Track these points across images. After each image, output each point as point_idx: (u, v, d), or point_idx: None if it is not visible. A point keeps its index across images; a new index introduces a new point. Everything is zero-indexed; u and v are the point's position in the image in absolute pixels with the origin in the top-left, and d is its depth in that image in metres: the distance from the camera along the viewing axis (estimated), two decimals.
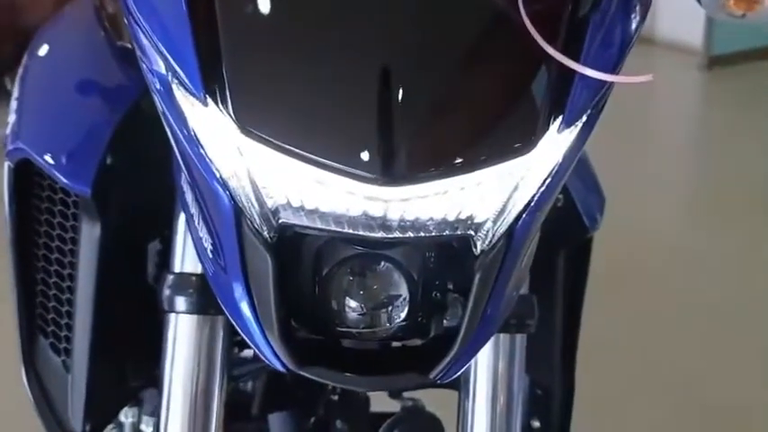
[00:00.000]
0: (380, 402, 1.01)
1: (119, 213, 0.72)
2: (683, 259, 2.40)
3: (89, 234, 0.71)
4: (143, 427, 1.03)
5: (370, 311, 0.54)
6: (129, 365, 0.77)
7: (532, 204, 0.54)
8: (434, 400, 0.95)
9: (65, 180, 0.71)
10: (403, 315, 0.55)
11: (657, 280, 2.30)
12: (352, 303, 0.54)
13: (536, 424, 0.85)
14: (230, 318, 0.59)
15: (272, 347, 0.56)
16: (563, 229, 0.80)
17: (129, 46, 0.80)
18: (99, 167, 0.70)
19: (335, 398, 1.04)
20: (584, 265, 0.83)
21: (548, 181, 0.54)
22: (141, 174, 0.73)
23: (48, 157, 0.72)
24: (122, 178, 0.72)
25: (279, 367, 0.57)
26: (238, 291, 0.56)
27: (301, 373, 0.56)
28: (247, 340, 0.58)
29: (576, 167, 0.82)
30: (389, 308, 0.54)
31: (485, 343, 0.60)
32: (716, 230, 2.57)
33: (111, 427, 1.10)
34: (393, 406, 1.00)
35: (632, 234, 2.43)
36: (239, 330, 0.59)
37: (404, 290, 0.55)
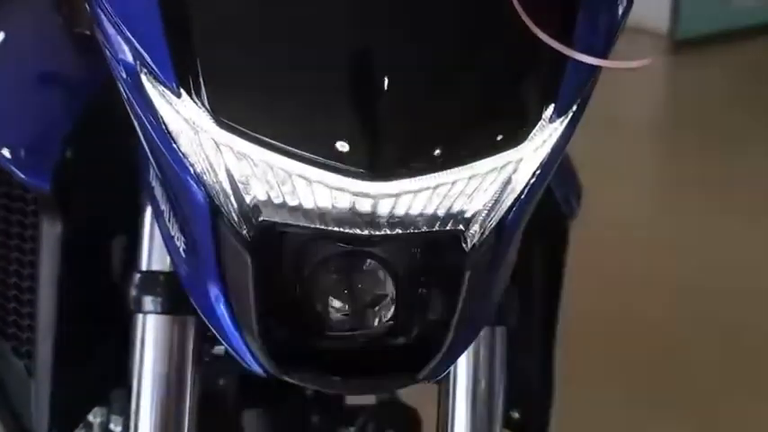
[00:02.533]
0: (356, 396, 1.00)
1: (81, 209, 0.69)
2: (649, 243, 2.42)
3: (50, 232, 0.68)
4: (112, 426, 1.00)
5: (356, 312, 0.52)
6: (95, 366, 0.75)
7: (523, 197, 0.52)
8: (410, 391, 0.94)
9: (22, 176, 0.68)
10: (389, 315, 0.53)
11: (623, 263, 2.31)
12: (337, 304, 0.52)
13: (516, 415, 0.84)
14: (205, 320, 0.57)
15: (250, 351, 0.54)
16: (541, 219, 0.79)
17: (88, 32, 0.76)
18: (58, 162, 0.67)
19: (310, 392, 1.02)
20: (563, 255, 0.82)
21: (538, 173, 0.52)
22: (104, 167, 0.70)
23: (4, 152, 0.69)
24: (84, 172, 0.69)
25: (259, 371, 0.54)
26: (214, 292, 0.53)
27: (283, 378, 0.53)
28: (224, 344, 0.55)
29: None
30: (375, 308, 0.52)
31: (473, 339, 0.59)
32: (680, 215, 2.59)
33: (80, 427, 1.08)
34: (369, 398, 0.99)
35: (598, 219, 2.44)
36: (215, 333, 0.56)
37: (390, 289, 0.53)
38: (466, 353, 0.72)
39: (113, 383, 0.79)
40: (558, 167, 0.82)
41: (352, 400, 1.03)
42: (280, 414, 1.00)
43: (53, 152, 0.67)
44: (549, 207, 0.79)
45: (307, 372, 0.53)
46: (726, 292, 2.20)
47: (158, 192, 0.58)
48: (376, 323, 0.52)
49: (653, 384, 1.92)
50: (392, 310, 0.53)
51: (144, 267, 0.66)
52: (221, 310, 0.53)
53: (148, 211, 0.66)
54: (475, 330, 0.57)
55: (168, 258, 0.65)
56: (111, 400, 1.00)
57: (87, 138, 0.69)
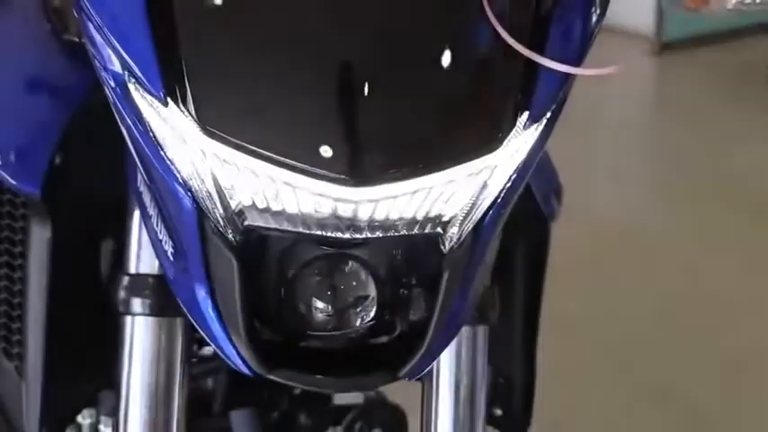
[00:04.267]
0: (343, 395, 1.01)
1: (70, 213, 0.70)
2: (636, 244, 2.44)
3: (39, 236, 0.69)
4: (101, 427, 1.01)
5: (339, 312, 0.53)
6: (84, 368, 0.76)
7: (499, 201, 0.54)
8: (396, 390, 0.96)
9: (12, 181, 0.69)
10: (371, 315, 0.54)
11: (611, 264, 2.33)
12: (320, 305, 0.54)
13: (498, 412, 0.85)
14: (193, 321, 0.58)
15: (237, 351, 0.55)
16: (521, 220, 0.80)
17: (77, 39, 0.77)
18: (48, 167, 0.68)
19: (298, 392, 1.03)
20: (543, 254, 0.83)
21: (513, 177, 0.54)
22: (92, 172, 0.71)
23: None
24: (72, 178, 0.70)
25: (245, 371, 0.56)
26: (201, 294, 0.54)
27: (269, 377, 0.55)
28: (212, 344, 0.57)
29: None
30: (358, 308, 0.54)
31: (452, 338, 0.60)
32: (667, 215, 2.61)
33: (68, 429, 1.08)
34: (356, 397, 1.00)
35: (584, 221, 2.46)
36: (203, 334, 0.57)
37: (372, 290, 0.54)
38: (448, 352, 0.74)
39: (103, 385, 0.80)
40: (538, 168, 0.84)
41: (339, 399, 1.05)
42: (268, 414, 1.01)
43: (42, 158, 0.68)
44: (529, 207, 0.81)
45: (291, 371, 0.55)
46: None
47: (146, 197, 0.59)
48: (358, 323, 0.54)
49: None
50: (374, 310, 0.54)
51: (132, 270, 0.67)
52: (208, 311, 0.55)
53: (136, 215, 0.67)
54: (454, 329, 0.58)
55: (156, 262, 0.66)
56: (101, 401, 1.01)
57: (76, 143, 0.70)
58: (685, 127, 3.20)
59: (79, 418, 1.04)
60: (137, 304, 0.66)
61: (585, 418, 1.82)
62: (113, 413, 0.98)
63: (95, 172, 0.71)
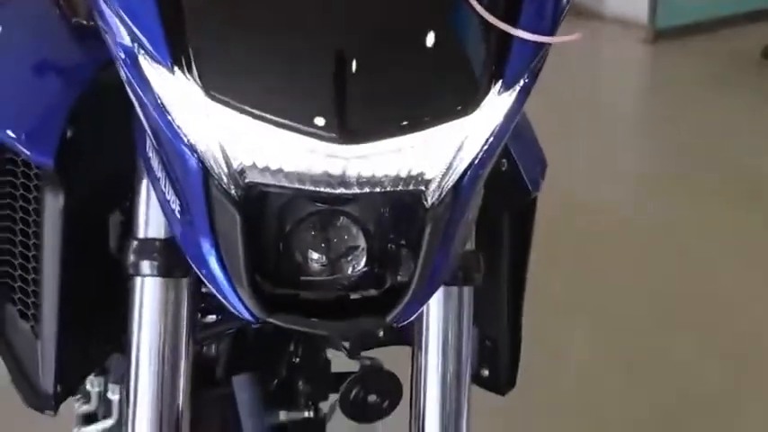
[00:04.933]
0: (341, 363, 1.05)
1: (80, 185, 0.74)
2: (631, 231, 2.48)
3: (52, 205, 0.73)
4: (109, 395, 1.06)
5: (332, 262, 0.59)
6: (96, 330, 0.80)
7: (476, 162, 0.59)
8: (391, 360, 1.00)
9: (28, 152, 0.73)
10: (362, 264, 0.59)
11: (607, 251, 2.37)
12: (315, 255, 0.59)
13: (485, 373, 0.90)
14: (199, 273, 0.63)
15: (240, 298, 0.60)
16: (507, 191, 0.85)
17: (85, 22, 0.82)
18: (60, 141, 0.72)
19: (297, 360, 1.08)
20: (529, 225, 0.88)
21: (490, 140, 0.59)
22: (101, 147, 0.76)
23: (9, 132, 0.74)
24: (83, 151, 0.74)
25: (247, 317, 0.60)
26: (206, 247, 0.59)
27: (269, 320, 0.59)
28: (215, 292, 0.61)
29: (518, 134, 0.88)
30: (349, 257, 0.59)
31: (435, 290, 0.65)
32: (662, 203, 2.65)
33: (78, 397, 1.13)
34: (354, 366, 1.04)
35: (579, 207, 2.50)
36: (207, 284, 0.62)
37: (362, 241, 0.59)
38: (436, 313, 0.78)
39: (113, 349, 0.84)
40: (524, 144, 0.89)
41: (337, 367, 1.09)
42: (269, 381, 1.06)
43: (54, 132, 0.72)
44: (515, 180, 0.86)
45: (290, 315, 0.60)
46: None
47: (155, 162, 0.64)
48: (350, 271, 0.59)
49: None
50: (364, 259, 0.59)
51: (141, 235, 0.72)
52: (213, 262, 0.59)
53: (144, 183, 0.71)
54: (437, 281, 0.63)
55: (163, 226, 0.71)
56: (109, 369, 1.06)
57: (85, 119, 0.74)
58: (678, 113, 3.24)
59: (88, 387, 1.10)
60: (145, 266, 0.70)
61: None
62: (121, 380, 1.03)
63: (104, 146, 0.76)
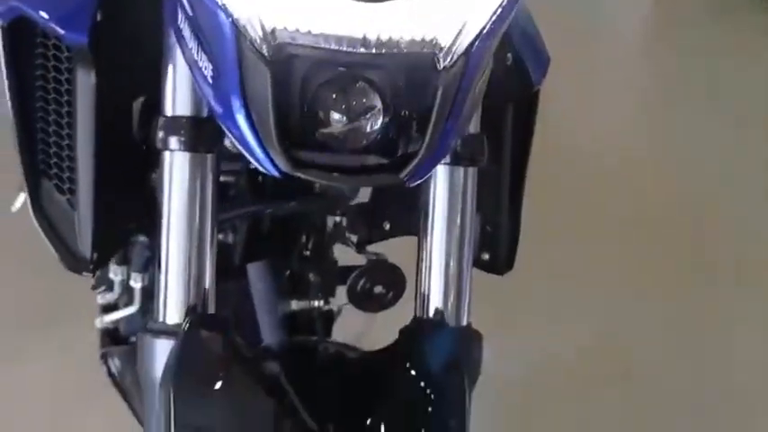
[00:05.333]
0: (347, 258, 1.11)
1: (109, 67, 0.79)
2: (633, 159, 2.52)
3: (84, 82, 0.78)
4: (132, 283, 1.12)
5: (351, 120, 0.64)
6: (122, 207, 0.85)
7: (484, 32, 0.64)
8: (396, 253, 1.06)
9: (62, 31, 0.77)
10: (378, 123, 0.64)
11: (608, 181, 2.42)
12: (336, 116, 0.64)
13: (485, 256, 0.96)
14: (228, 132, 0.68)
15: (267, 154, 0.65)
16: (511, 84, 0.90)
17: None
18: (91, 23, 0.77)
19: (308, 253, 1.14)
20: (532, 115, 0.94)
21: (498, 11, 0.64)
22: (128, 31, 0.80)
23: (43, 13, 0.79)
24: (113, 33, 0.79)
25: (273, 172, 0.66)
26: (236, 105, 0.64)
27: (295, 173, 0.65)
28: (243, 150, 0.67)
29: (523, 32, 0.93)
30: (367, 115, 0.64)
31: (446, 153, 0.70)
32: (657, 119, 2.70)
33: (102, 288, 1.19)
34: (360, 260, 1.09)
35: (583, 134, 2.55)
36: (236, 144, 0.67)
37: (378, 102, 0.64)
38: (442, 193, 0.84)
39: (136, 229, 0.89)
40: (527, 41, 0.94)
41: (344, 261, 1.15)
42: (281, 271, 1.12)
43: (86, 13, 0.77)
44: (519, 73, 0.91)
45: (313, 169, 0.65)
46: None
47: (187, 32, 0.68)
48: (368, 128, 0.64)
49: None
50: (380, 120, 0.64)
51: (169, 113, 0.77)
52: (242, 120, 0.65)
53: (170, 67, 0.76)
54: (447, 145, 0.68)
55: (189, 105, 0.76)
56: (131, 258, 1.12)
57: (114, 4, 0.79)
58: (677, 43, 3.26)
59: (111, 275, 1.15)
60: (173, 141, 0.76)
61: None
62: (143, 269, 1.09)
63: (132, 30, 0.80)
